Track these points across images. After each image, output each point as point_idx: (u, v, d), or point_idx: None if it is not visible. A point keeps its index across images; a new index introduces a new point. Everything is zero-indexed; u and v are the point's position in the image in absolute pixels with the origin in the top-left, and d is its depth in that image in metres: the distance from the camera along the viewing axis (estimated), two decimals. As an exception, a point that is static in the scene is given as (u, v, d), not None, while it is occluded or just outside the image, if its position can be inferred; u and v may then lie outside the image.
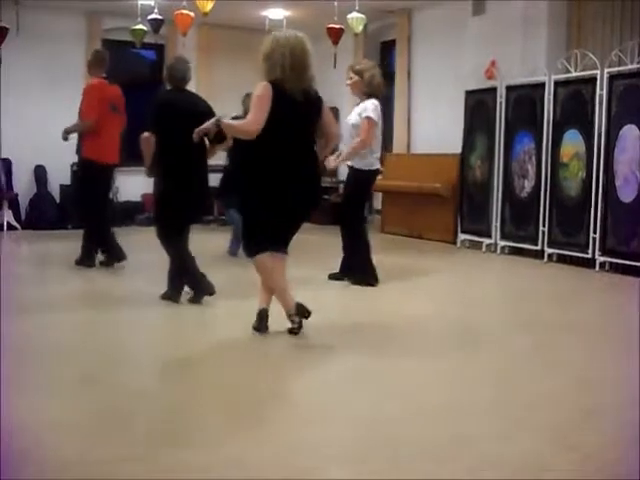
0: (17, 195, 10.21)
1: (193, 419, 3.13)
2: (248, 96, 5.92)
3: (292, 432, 2.99)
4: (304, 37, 4.33)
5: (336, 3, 8.35)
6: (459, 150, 8.93)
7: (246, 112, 5.31)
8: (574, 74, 7.54)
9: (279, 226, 4.40)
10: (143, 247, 7.15)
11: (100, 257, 6.87)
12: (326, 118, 4.52)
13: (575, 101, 7.47)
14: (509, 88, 8.27)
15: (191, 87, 5.62)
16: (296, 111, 4.25)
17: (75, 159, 8.42)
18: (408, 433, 2.96)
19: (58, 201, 10.44)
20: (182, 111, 5.13)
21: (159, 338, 4.75)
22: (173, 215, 5.25)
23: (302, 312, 4.35)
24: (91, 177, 6.74)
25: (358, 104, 6.14)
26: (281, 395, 3.48)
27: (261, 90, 4.20)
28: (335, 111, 11.35)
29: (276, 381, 3.72)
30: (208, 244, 7.69)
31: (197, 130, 4.30)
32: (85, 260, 6.75)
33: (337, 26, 8.65)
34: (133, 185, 10.04)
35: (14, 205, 10.14)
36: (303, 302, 4.37)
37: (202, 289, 5.22)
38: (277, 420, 3.16)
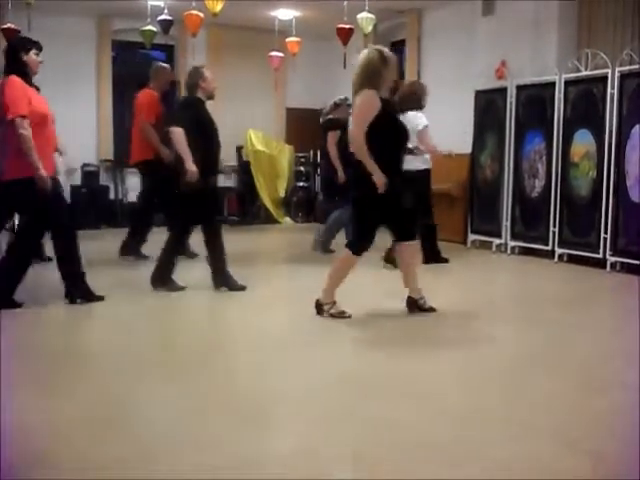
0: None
1: (200, 419, 3.14)
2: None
3: (302, 433, 2.99)
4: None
5: (346, 3, 8.34)
6: (469, 150, 8.91)
7: None
8: (585, 73, 7.51)
9: None
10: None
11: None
12: None
13: (586, 100, 7.44)
14: (519, 88, 8.24)
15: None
16: None
17: (86, 160, 8.44)
18: (417, 435, 2.96)
19: (69, 202, 10.46)
20: None
21: (156, 337, 4.77)
22: None
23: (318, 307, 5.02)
24: None
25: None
26: (289, 395, 3.48)
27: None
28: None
29: (282, 380, 3.72)
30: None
31: None
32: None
33: (347, 26, 8.62)
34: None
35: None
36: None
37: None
38: (285, 420, 3.17)
